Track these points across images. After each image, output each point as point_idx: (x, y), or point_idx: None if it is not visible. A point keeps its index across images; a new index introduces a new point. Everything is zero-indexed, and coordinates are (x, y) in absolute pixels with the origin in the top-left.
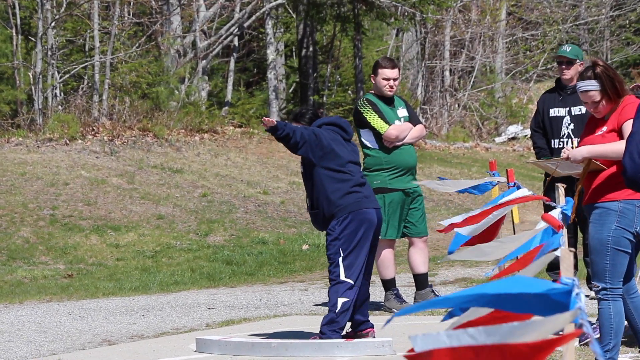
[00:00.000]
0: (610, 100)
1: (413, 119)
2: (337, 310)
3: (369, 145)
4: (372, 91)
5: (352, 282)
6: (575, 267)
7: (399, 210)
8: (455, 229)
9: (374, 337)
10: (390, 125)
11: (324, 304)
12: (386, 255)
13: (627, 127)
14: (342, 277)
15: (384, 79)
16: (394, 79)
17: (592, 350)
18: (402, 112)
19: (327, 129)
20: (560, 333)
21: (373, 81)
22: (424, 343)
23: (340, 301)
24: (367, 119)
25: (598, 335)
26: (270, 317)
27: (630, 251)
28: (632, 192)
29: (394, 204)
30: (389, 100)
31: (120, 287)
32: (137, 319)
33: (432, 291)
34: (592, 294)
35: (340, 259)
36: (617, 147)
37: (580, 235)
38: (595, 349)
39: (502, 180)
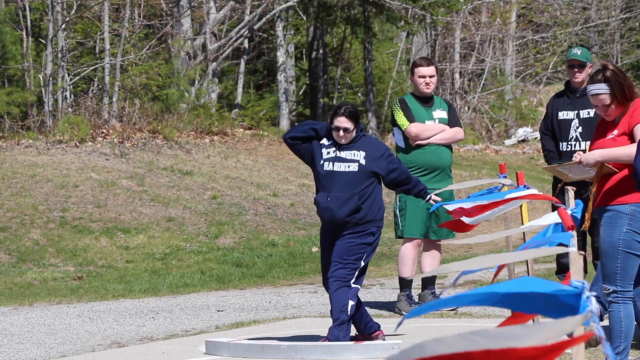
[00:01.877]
0: (619, 104)
1: (451, 122)
2: (348, 313)
3: (398, 144)
4: (412, 92)
5: (359, 287)
6: (585, 270)
7: (419, 210)
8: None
9: (384, 339)
10: (413, 123)
11: None
12: (405, 253)
13: (638, 130)
14: (353, 282)
15: (420, 76)
16: (430, 76)
17: (603, 353)
18: (440, 113)
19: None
20: (570, 336)
21: (411, 82)
22: (432, 349)
23: (350, 304)
24: (395, 116)
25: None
26: (280, 319)
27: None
28: None
29: (414, 203)
30: (427, 101)
31: (130, 289)
32: (147, 321)
33: (432, 293)
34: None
35: (360, 267)
36: (629, 151)
37: (589, 238)
38: (607, 351)
39: (507, 183)
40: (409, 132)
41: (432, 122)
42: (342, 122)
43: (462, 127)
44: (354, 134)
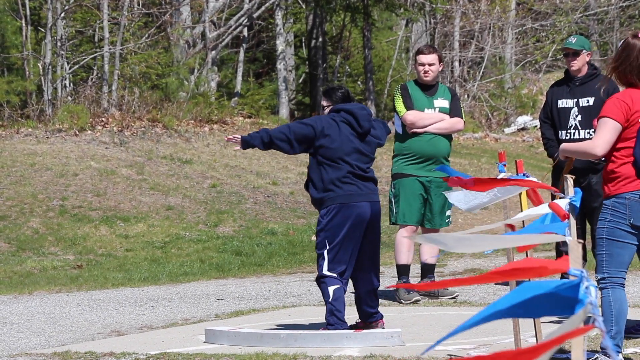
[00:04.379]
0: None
1: (452, 112)
2: (331, 299)
3: (396, 130)
4: (415, 79)
5: (335, 276)
6: (584, 258)
7: (414, 198)
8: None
9: (384, 327)
10: (410, 110)
11: None
12: (401, 240)
13: (599, 124)
14: (325, 270)
15: (419, 64)
16: (429, 64)
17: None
18: (442, 102)
19: (336, 116)
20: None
21: (413, 68)
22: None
23: (332, 289)
24: (395, 102)
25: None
26: (280, 307)
27: (629, 241)
28: (622, 186)
29: (407, 190)
30: (428, 88)
31: (130, 278)
32: (147, 309)
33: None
34: None
35: (326, 252)
36: (582, 147)
37: (588, 226)
38: (607, 343)
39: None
40: (405, 120)
41: (431, 111)
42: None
43: (462, 118)
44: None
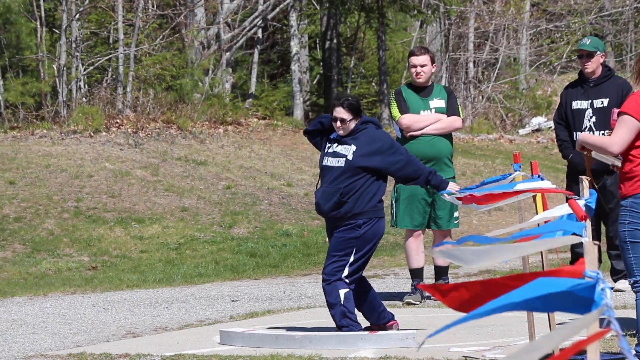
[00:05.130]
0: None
1: (449, 111)
2: (342, 302)
3: (397, 134)
4: (409, 82)
5: (347, 281)
6: (599, 260)
7: (415, 202)
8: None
9: (398, 329)
10: (405, 114)
11: None
12: (407, 245)
13: (617, 122)
14: (343, 276)
15: (411, 66)
16: (421, 66)
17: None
18: (438, 102)
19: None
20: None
21: (409, 71)
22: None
23: (342, 292)
24: (390, 107)
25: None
26: (294, 309)
27: None
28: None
29: (407, 194)
30: (423, 90)
31: (144, 279)
32: (161, 311)
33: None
34: (617, 285)
35: (352, 258)
36: (600, 141)
37: (603, 228)
38: (623, 345)
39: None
40: (400, 124)
41: (427, 112)
42: (339, 112)
43: (460, 116)
44: (351, 125)
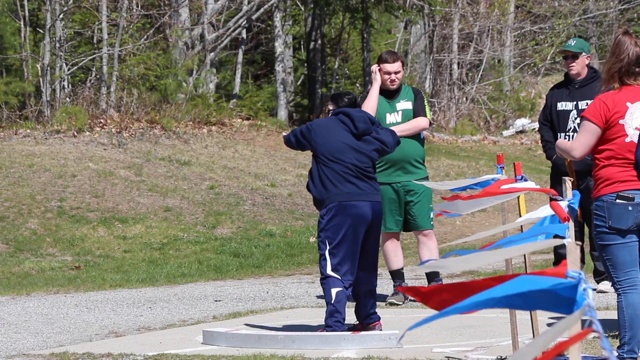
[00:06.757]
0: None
1: (416, 112)
2: (333, 301)
3: None
4: None
5: (339, 277)
6: (582, 260)
7: (389, 204)
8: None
9: (381, 329)
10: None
11: None
12: (385, 249)
13: (580, 125)
14: (329, 271)
15: (385, 73)
16: (395, 72)
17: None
18: (404, 105)
19: (334, 118)
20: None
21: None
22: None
23: (334, 291)
24: None
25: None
26: (277, 309)
27: (621, 241)
28: (601, 189)
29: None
30: (390, 93)
31: (128, 279)
32: (144, 310)
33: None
34: (599, 286)
35: (327, 252)
36: (564, 146)
37: (586, 229)
38: (604, 345)
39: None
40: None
41: (394, 115)
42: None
43: (427, 116)
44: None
